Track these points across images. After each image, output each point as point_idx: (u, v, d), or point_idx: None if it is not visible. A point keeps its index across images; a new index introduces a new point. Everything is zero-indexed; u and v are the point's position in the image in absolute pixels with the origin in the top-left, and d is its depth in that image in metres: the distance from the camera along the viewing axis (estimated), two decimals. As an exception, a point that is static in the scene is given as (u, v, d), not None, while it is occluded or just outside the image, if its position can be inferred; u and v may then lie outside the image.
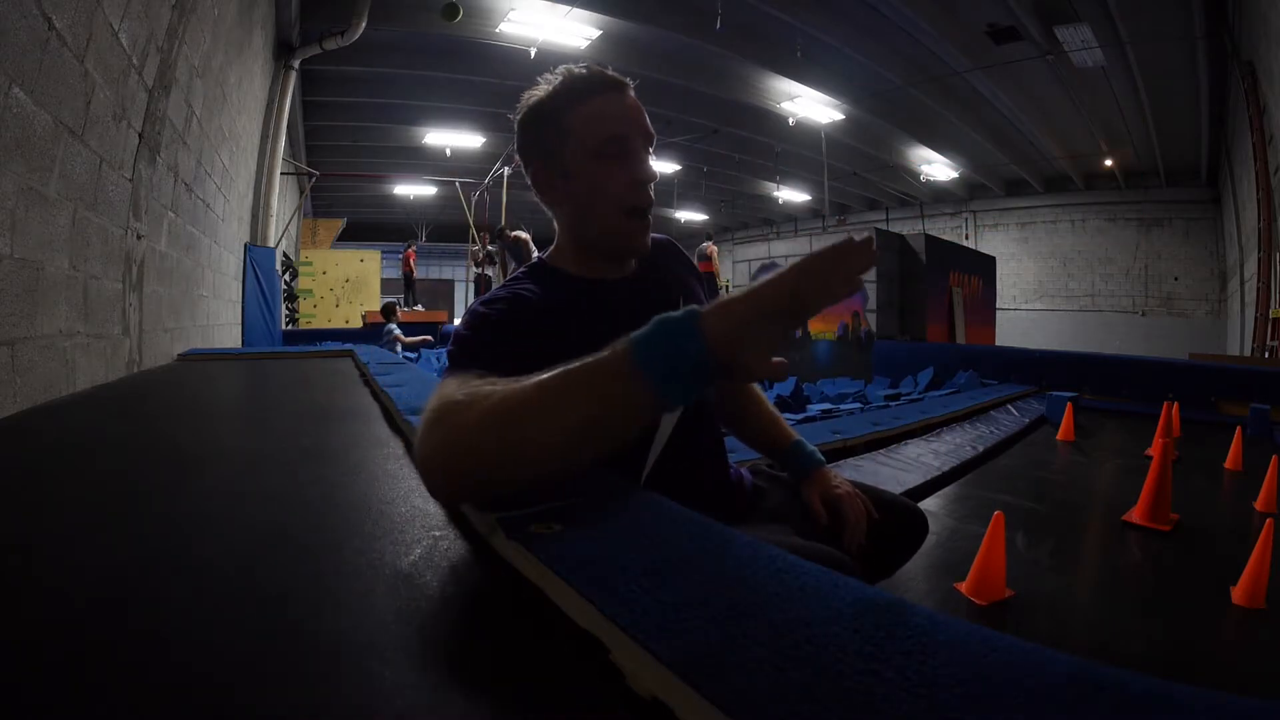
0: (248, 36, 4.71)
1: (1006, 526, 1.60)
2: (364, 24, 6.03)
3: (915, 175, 13.11)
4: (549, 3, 6.82)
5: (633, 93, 0.82)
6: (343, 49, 6.31)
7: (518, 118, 0.83)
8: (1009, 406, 4.18)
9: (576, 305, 0.79)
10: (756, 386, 1.07)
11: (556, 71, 0.81)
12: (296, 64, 6.16)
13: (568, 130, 0.78)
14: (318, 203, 15.64)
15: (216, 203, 4.35)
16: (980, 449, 2.98)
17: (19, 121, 1.59)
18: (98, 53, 1.96)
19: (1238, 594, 1.56)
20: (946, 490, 2.50)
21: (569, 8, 6.84)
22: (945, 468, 2.63)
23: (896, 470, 2.53)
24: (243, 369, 3.04)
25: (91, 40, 1.89)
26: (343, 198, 16.68)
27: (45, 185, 1.82)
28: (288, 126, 6.59)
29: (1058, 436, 3.50)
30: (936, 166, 12.54)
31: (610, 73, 0.81)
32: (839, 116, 9.90)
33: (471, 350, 0.69)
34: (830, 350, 6.98)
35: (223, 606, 0.51)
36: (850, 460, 2.66)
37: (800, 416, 4.08)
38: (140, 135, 2.52)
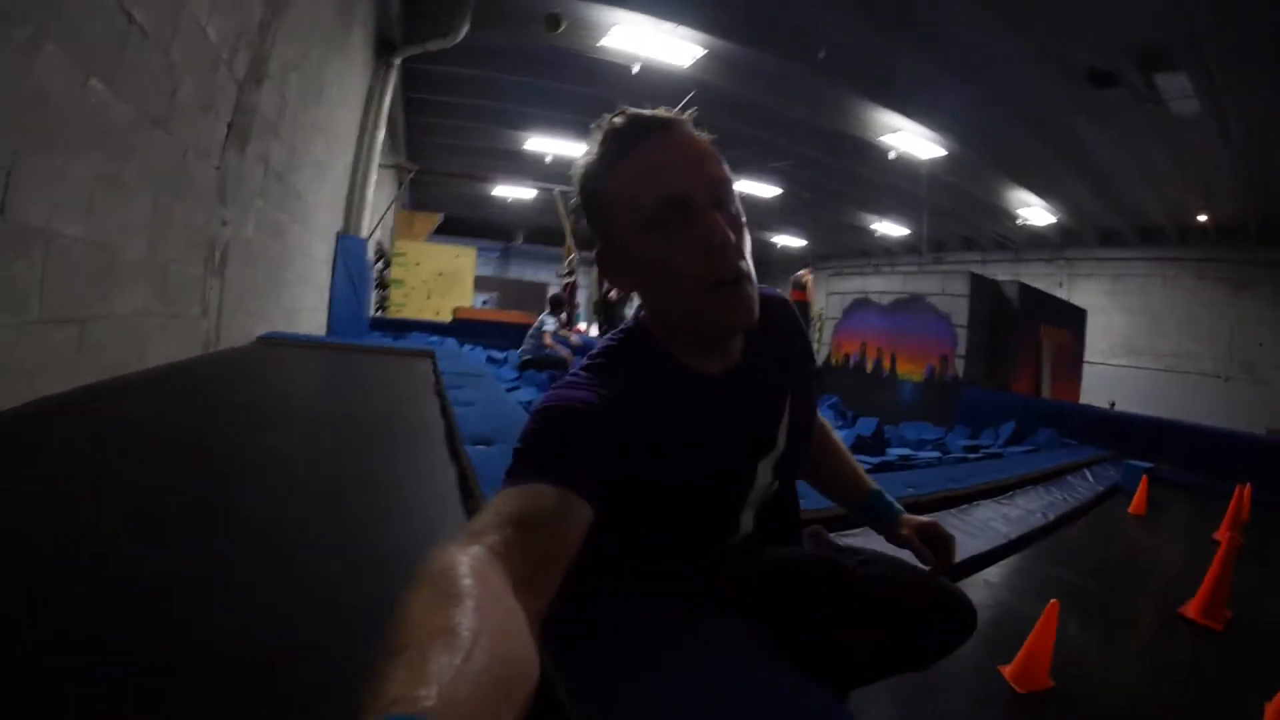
0: (346, 33, 4.90)
1: (1060, 608, 1.53)
2: (465, 28, 6.18)
3: (1012, 218, 12.58)
4: (653, 19, 6.74)
5: (690, 128, 0.64)
6: (446, 50, 6.49)
7: (576, 189, 0.67)
8: (1085, 471, 4.16)
9: (668, 410, 0.63)
10: (834, 432, 0.95)
11: (596, 124, 0.65)
12: (397, 61, 6.39)
13: (613, 201, 0.62)
14: (416, 195, 16.26)
15: (309, 191, 4.54)
16: (1050, 517, 2.90)
17: (97, 111, 1.65)
18: (183, 46, 2.02)
19: (1273, 710, 1.34)
20: (1009, 560, 2.41)
21: (674, 25, 6.76)
22: (1013, 535, 2.53)
23: (964, 535, 2.41)
24: (319, 360, 3.11)
25: (176, 34, 1.95)
26: (441, 193, 17.20)
27: (124, 172, 1.89)
28: (388, 121, 6.84)
29: (1129, 509, 3.43)
30: (1034, 210, 12.13)
31: (656, 112, 0.63)
32: (940, 152, 9.48)
33: (536, 458, 0.53)
34: (915, 392, 6.76)
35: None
36: (921, 517, 2.48)
37: (878, 460, 3.95)
38: (229, 126, 2.62)
